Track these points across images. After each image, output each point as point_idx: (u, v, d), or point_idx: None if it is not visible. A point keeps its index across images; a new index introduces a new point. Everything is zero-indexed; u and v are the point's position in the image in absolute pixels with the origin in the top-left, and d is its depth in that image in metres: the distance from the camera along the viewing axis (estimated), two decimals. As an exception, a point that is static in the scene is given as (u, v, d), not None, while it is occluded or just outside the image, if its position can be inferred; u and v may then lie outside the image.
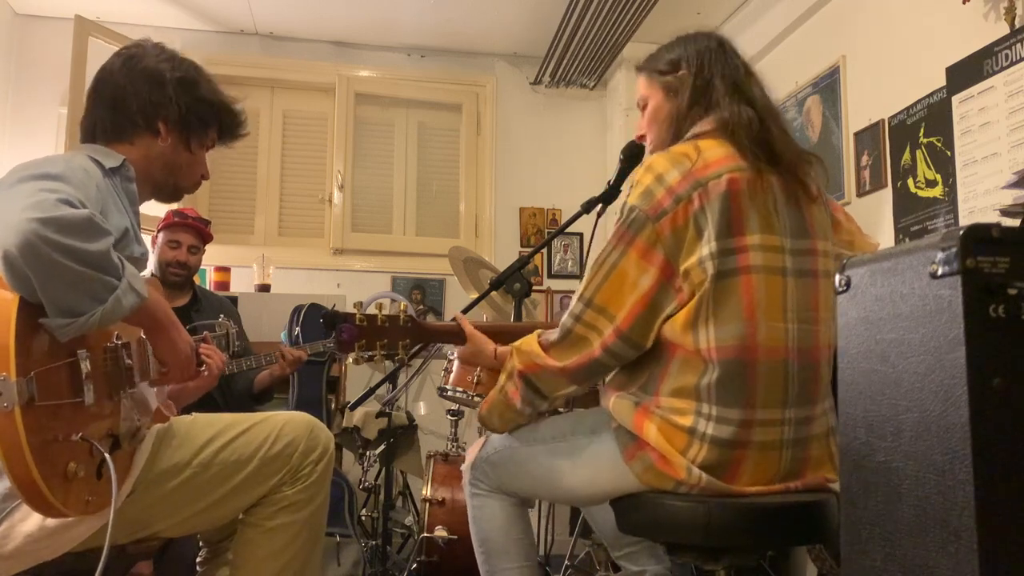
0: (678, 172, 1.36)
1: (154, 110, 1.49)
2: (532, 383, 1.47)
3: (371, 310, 1.58)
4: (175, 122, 1.51)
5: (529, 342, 1.48)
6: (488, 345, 1.61)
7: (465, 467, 1.69)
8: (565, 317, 1.43)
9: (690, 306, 1.34)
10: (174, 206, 3.41)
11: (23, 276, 1.07)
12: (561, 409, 2.85)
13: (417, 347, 1.66)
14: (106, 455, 1.18)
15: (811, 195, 1.45)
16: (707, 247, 1.33)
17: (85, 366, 1.19)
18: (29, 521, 1.22)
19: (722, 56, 1.51)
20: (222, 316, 2.21)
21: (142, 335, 1.41)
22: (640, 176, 1.40)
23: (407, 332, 1.59)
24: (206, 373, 1.76)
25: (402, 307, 1.61)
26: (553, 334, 1.44)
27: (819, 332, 1.39)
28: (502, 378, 1.53)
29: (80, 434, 1.16)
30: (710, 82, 1.48)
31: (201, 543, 1.71)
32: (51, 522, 1.22)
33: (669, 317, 1.37)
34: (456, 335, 1.66)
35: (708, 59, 1.50)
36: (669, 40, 1.61)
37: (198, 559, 1.71)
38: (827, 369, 1.42)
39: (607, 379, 1.53)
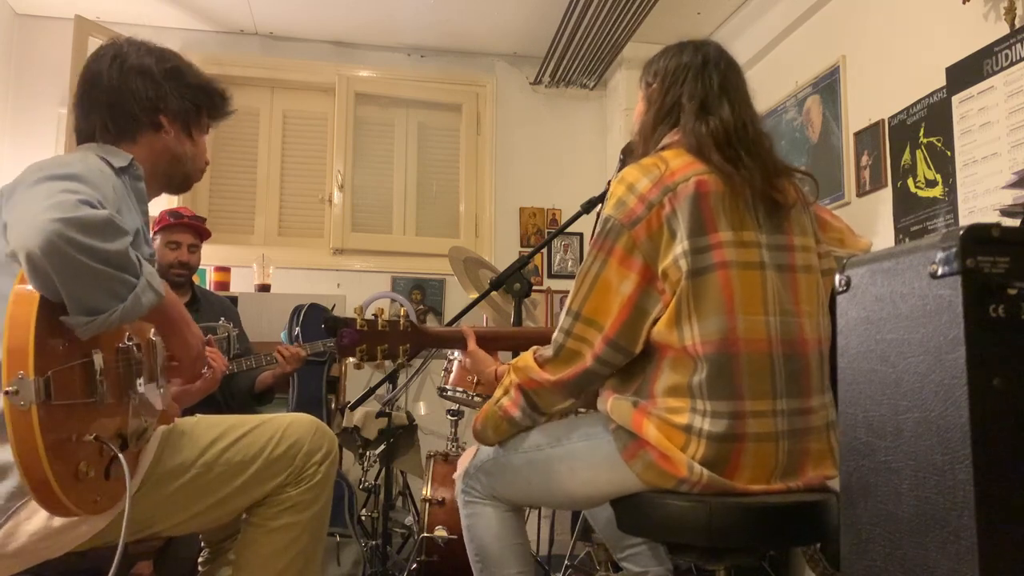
0: (648, 180, 1.41)
1: (153, 105, 1.50)
2: (530, 397, 1.50)
3: (371, 315, 1.59)
4: (175, 113, 1.53)
5: (525, 359, 1.51)
6: (489, 367, 1.64)
7: (457, 476, 1.69)
8: (556, 333, 1.46)
9: (672, 305, 1.37)
10: (175, 204, 3.42)
11: (45, 276, 1.08)
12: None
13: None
14: (120, 455, 1.20)
15: (785, 199, 1.47)
16: (680, 246, 1.37)
17: (99, 366, 1.20)
18: (34, 520, 1.22)
19: (699, 74, 1.52)
20: (223, 319, 2.21)
21: (151, 336, 1.42)
22: (613, 187, 1.45)
23: (407, 337, 1.61)
24: (209, 375, 1.76)
25: (403, 312, 1.62)
26: (548, 350, 1.47)
27: (803, 324, 1.42)
28: (498, 393, 1.56)
29: (94, 434, 1.17)
30: (677, 101, 1.53)
31: (203, 543, 1.71)
32: (56, 521, 1.23)
33: (657, 320, 1.40)
34: (456, 340, 1.68)
35: (681, 77, 1.53)
36: (666, 45, 1.63)
37: (200, 559, 1.71)
38: (819, 362, 1.44)
39: (606, 384, 1.54)
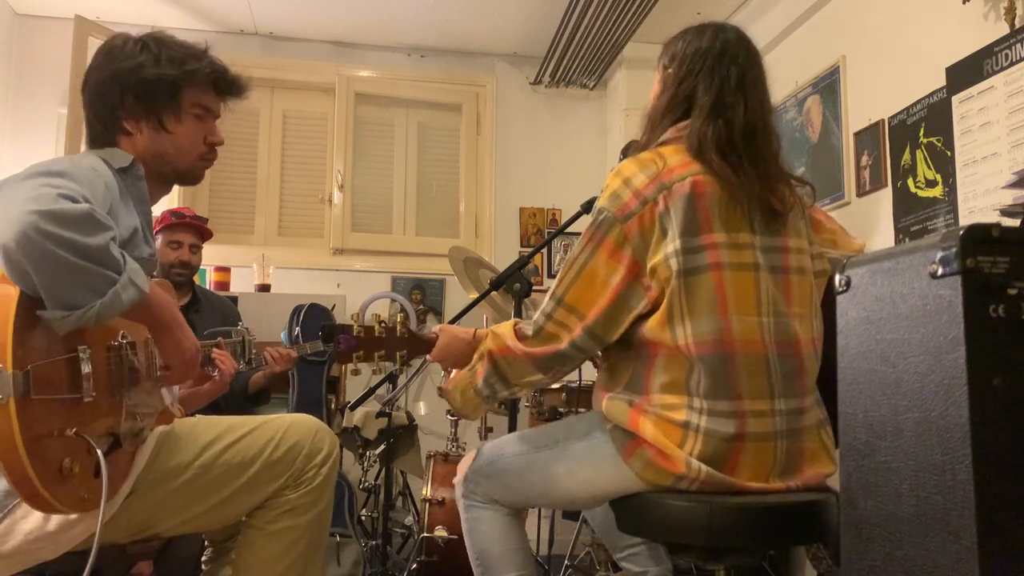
0: (645, 176, 1.40)
1: (111, 114, 1.47)
2: (499, 366, 1.49)
3: (369, 321, 1.59)
4: (136, 112, 1.47)
5: (506, 327, 1.50)
6: (463, 332, 1.60)
7: (457, 481, 1.68)
8: (537, 315, 1.47)
9: (664, 304, 1.37)
10: (175, 204, 3.42)
11: (22, 269, 1.08)
12: (561, 409, 2.85)
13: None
14: (99, 452, 1.18)
15: (783, 205, 1.45)
16: (672, 245, 1.37)
17: (85, 363, 1.19)
18: (29, 519, 1.22)
19: (716, 64, 1.47)
20: (240, 323, 2.20)
21: (149, 336, 1.41)
22: (609, 180, 1.44)
23: (404, 343, 1.60)
24: (217, 377, 1.76)
25: (400, 318, 1.61)
26: (528, 328, 1.47)
27: (796, 326, 1.41)
28: (475, 357, 1.54)
29: (75, 429, 1.16)
30: (692, 92, 1.48)
31: (207, 542, 1.71)
32: (52, 521, 1.22)
33: (641, 317, 1.40)
34: None
35: (698, 67, 1.48)
36: (689, 26, 1.57)
37: (203, 558, 1.71)
38: (813, 362, 1.44)
39: (597, 382, 1.55)
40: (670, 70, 1.53)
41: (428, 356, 1.62)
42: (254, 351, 2.12)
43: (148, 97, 1.46)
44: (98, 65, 1.48)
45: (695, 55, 1.50)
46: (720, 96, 1.45)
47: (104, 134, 1.48)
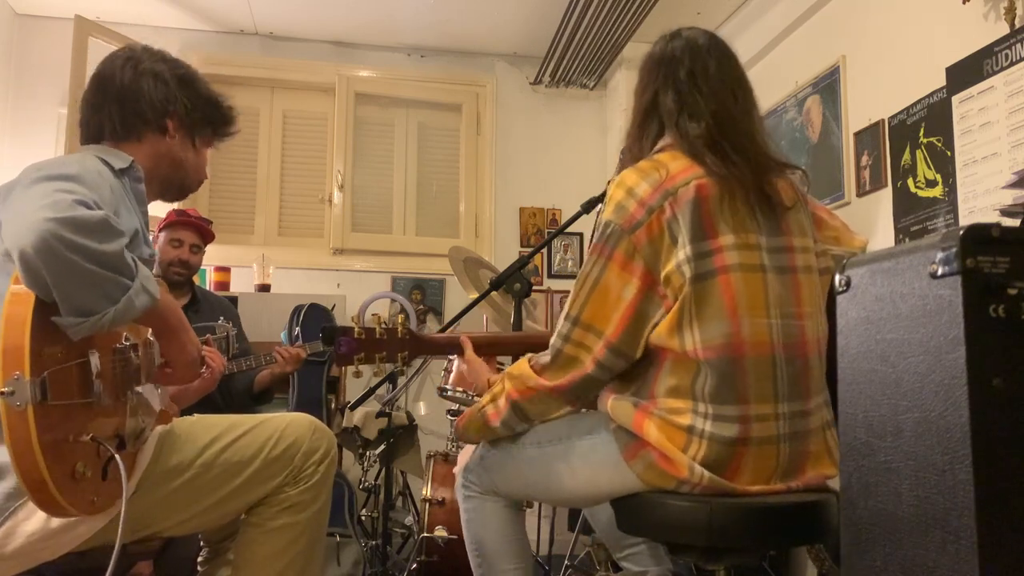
0: (648, 184, 1.39)
1: (163, 107, 1.52)
2: (521, 408, 1.49)
3: (369, 323, 1.59)
4: (182, 119, 1.55)
5: (520, 366, 1.49)
6: (482, 376, 1.63)
7: (458, 470, 1.69)
8: (554, 338, 1.44)
9: (673, 311, 1.36)
10: (175, 205, 3.42)
11: (38, 275, 1.08)
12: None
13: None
14: (116, 456, 1.19)
15: (783, 198, 1.45)
16: (682, 252, 1.35)
17: (95, 366, 1.20)
18: (32, 521, 1.22)
19: (668, 67, 1.49)
20: (221, 318, 2.21)
21: (148, 336, 1.41)
22: (612, 191, 1.42)
23: (405, 345, 1.60)
24: (207, 375, 1.77)
25: (400, 319, 1.62)
26: (544, 356, 1.45)
27: (805, 327, 1.41)
28: (485, 399, 1.55)
29: (91, 435, 1.17)
30: (654, 100, 1.50)
31: (202, 543, 1.71)
32: (54, 522, 1.23)
33: (657, 324, 1.39)
34: (453, 347, 1.68)
35: (654, 72, 1.51)
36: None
37: (199, 559, 1.71)
38: (818, 363, 1.43)
39: (605, 386, 1.54)
40: (636, 83, 1.56)
41: (457, 363, 1.63)
42: (237, 346, 2.13)
43: (197, 111, 1.58)
44: (151, 60, 1.55)
45: (649, 65, 1.53)
46: (679, 97, 1.47)
47: (137, 124, 1.51)
